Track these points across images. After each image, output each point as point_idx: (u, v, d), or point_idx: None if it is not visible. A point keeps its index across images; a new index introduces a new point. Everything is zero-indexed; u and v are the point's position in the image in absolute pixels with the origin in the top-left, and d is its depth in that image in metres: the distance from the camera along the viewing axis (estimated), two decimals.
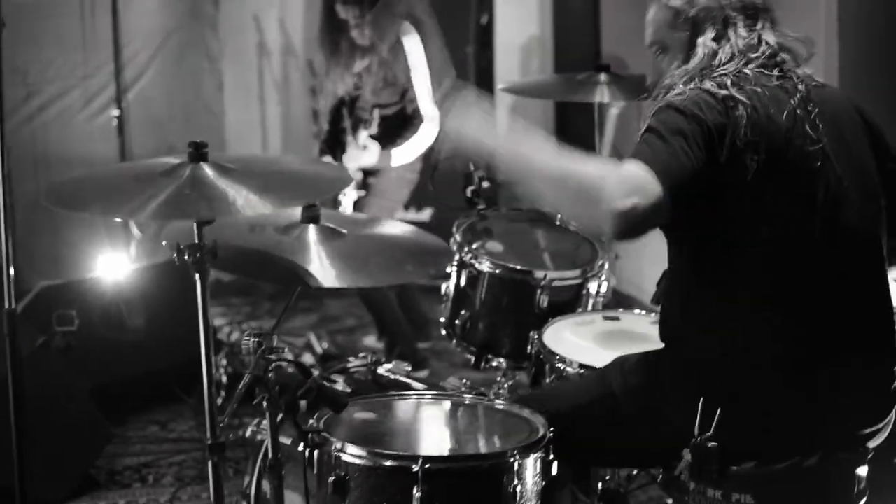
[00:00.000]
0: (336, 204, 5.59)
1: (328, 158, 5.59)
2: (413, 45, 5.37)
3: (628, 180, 2.38)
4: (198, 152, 2.81)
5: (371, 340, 5.99)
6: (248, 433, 3.26)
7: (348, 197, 5.54)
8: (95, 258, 5.78)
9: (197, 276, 2.79)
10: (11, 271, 3.03)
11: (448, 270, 3.71)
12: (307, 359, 5.71)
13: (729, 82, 2.58)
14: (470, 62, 6.53)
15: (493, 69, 6.81)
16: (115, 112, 6.80)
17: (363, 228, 3.22)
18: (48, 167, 6.66)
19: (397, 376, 3.37)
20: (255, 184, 2.76)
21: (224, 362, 5.37)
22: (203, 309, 2.79)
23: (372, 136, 5.39)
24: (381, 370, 3.38)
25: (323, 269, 2.94)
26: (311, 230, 3.06)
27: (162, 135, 7.27)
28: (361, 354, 3.45)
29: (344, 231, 3.11)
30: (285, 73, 7.48)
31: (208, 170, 2.78)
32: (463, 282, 3.68)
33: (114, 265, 5.48)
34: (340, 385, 3.35)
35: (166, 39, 7.21)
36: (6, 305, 2.43)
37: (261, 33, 7.21)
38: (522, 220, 3.95)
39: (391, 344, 5.62)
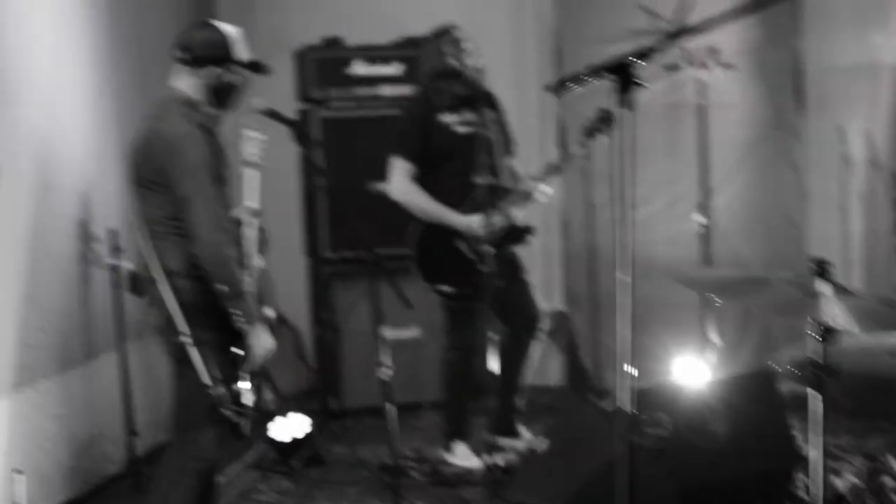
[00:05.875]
0: None
1: None
2: None
3: None
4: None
5: None
6: None
7: None
8: (671, 363, 6.13)
9: (813, 392, 2.86)
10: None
11: None
12: None
13: None
14: None
15: None
16: (700, 219, 6.97)
17: None
18: None
19: None
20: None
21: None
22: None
23: None
24: None
25: None
26: None
27: (739, 243, 7.38)
28: None
29: None
30: (871, 185, 7.36)
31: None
32: None
33: (692, 370, 5.79)
34: None
35: (751, 150, 7.37)
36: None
37: (844, 144, 7.17)
38: None
39: None
